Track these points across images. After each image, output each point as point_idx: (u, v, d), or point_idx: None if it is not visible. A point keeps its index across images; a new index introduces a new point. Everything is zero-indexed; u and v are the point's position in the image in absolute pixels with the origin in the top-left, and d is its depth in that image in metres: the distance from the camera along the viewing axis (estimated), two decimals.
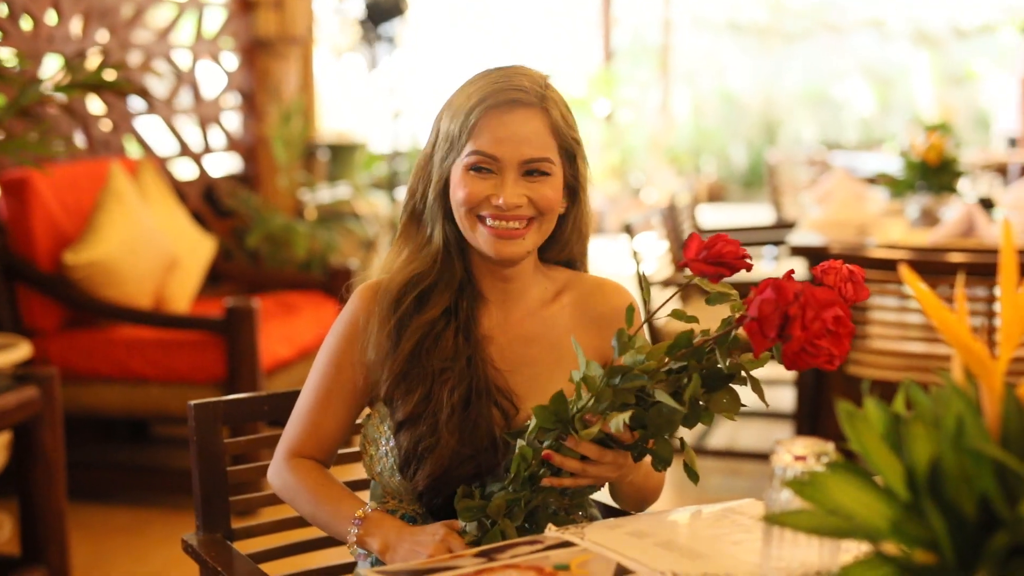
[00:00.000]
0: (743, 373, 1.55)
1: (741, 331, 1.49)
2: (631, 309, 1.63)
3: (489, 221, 1.81)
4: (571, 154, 1.86)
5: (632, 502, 1.89)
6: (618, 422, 1.52)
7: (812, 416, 4.33)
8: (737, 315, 1.51)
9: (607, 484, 1.78)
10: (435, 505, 1.81)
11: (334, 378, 1.90)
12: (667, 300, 1.64)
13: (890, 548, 0.97)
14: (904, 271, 1.04)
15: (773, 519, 1.01)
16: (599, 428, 1.56)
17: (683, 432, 1.63)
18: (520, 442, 1.65)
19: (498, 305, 1.91)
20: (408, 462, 1.81)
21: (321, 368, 1.91)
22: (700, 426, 5.10)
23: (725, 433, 5.22)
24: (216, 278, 5.37)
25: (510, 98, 1.81)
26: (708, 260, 1.55)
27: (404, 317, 1.85)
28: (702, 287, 1.58)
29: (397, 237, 1.94)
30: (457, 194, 1.82)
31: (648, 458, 1.65)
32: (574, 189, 1.89)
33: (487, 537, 1.66)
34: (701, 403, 1.55)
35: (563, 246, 1.95)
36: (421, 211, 1.90)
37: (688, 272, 1.58)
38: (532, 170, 1.81)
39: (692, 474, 1.62)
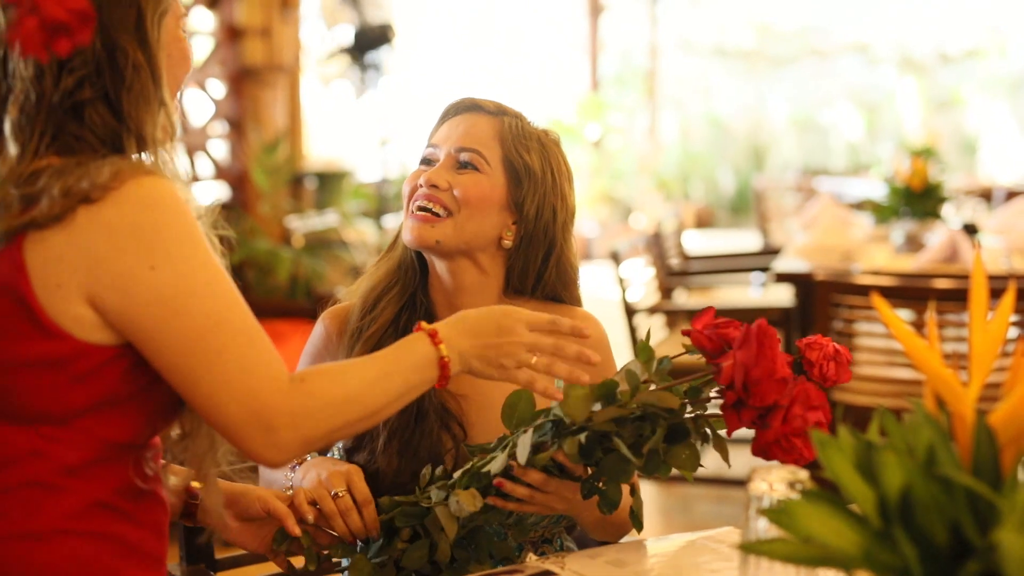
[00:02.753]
0: (708, 431, 1.54)
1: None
2: (645, 346, 1.57)
3: (413, 208, 1.84)
4: (515, 172, 1.85)
5: (600, 533, 1.85)
6: (573, 443, 1.50)
7: None
8: (710, 392, 1.50)
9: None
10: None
11: None
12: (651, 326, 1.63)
13: None
14: (875, 299, 1.05)
15: (749, 547, 1.02)
16: (550, 454, 1.54)
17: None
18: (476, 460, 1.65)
19: None
20: None
21: None
22: None
23: (714, 460, 5.21)
24: None
25: (467, 105, 1.90)
26: (711, 336, 1.50)
27: (361, 327, 1.88)
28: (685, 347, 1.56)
29: (379, 258, 1.98)
30: (403, 191, 1.88)
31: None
32: (534, 227, 1.85)
33: (414, 547, 1.65)
34: (659, 455, 1.52)
35: (540, 286, 1.91)
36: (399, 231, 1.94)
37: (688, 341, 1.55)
38: (464, 162, 1.84)
39: (637, 522, 1.62)
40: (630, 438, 1.51)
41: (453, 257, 1.85)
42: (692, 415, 1.52)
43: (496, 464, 1.58)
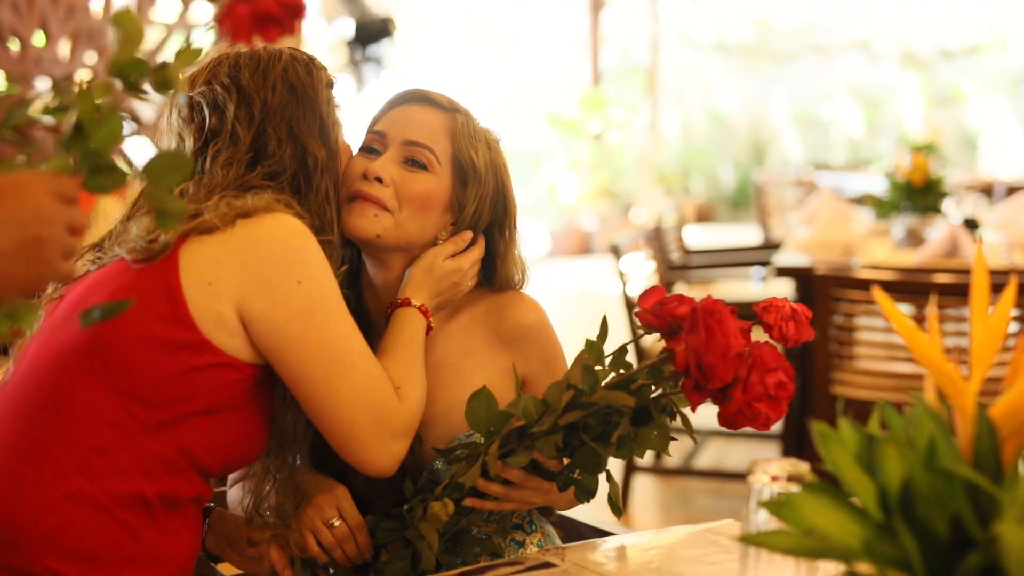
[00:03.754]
0: (673, 409, 1.53)
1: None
2: (594, 344, 1.54)
3: (351, 195, 1.74)
4: (463, 172, 1.78)
5: (567, 508, 1.85)
6: (549, 445, 1.50)
7: (798, 437, 4.34)
8: (668, 371, 1.49)
9: None
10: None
11: None
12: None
13: (864, 568, 0.98)
14: (876, 293, 1.05)
15: (750, 540, 1.02)
16: (528, 457, 1.53)
17: (612, 463, 1.60)
18: (439, 464, 1.66)
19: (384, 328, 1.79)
20: None
21: None
22: (688, 445, 5.11)
23: (712, 454, 5.22)
24: None
25: (421, 94, 1.81)
26: (658, 315, 1.48)
27: None
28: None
29: None
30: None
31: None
32: (468, 228, 1.81)
33: (394, 558, 1.64)
34: (630, 439, 1.51)
35: (488, 277, 1.86)
36: None
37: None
38: (412, 158, 1.75)
39: (615, 508, 1.58)
40: (599, 427, 1.51)
41: (388, 252, 1.78)
42: (656, 394, 1.50)
43: (469, 477, 1.58)
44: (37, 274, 1.19)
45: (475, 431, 1.60)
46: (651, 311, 1.48)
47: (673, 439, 1.55)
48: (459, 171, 1.78)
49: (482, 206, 1.80)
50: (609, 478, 1.60)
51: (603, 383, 1.51)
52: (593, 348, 1.52)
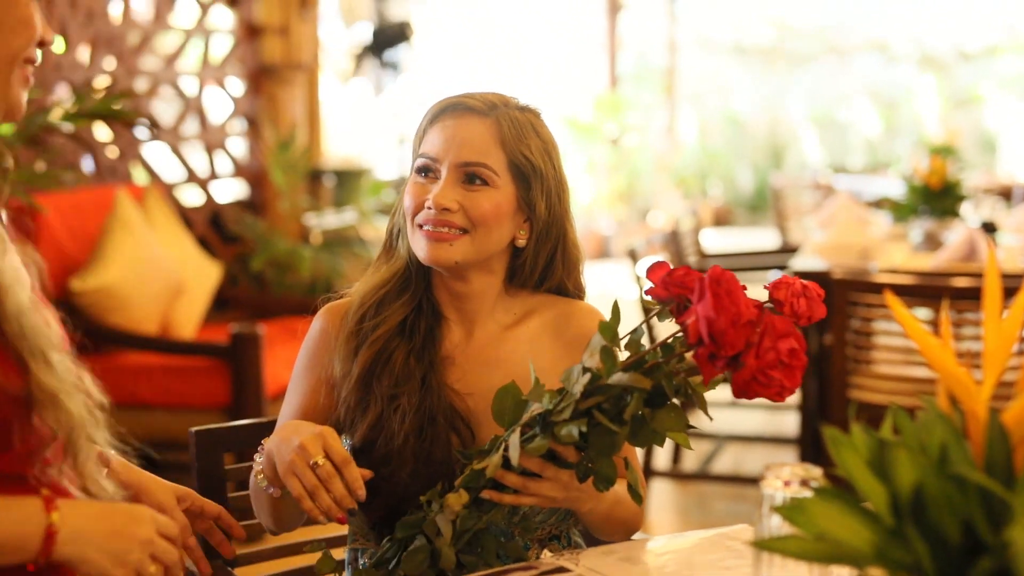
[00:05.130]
0: (688, 391, 1.51)
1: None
2: (607, 325, 1.54)
3: (424, 226, 1.77)
4: (523, 174, 1.80)
5: (606, 533, 1.79)
6: (571, 430, 1.49)
7: (815, 441, 4.33)
8: (681, 348, 1.47)
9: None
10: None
11: (301, 396, 1.86)
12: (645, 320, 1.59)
13: (876, 573, 0.98)
14: (889, 297, 1.05)
15: (762, 545, 1.02)
16: (547, 445, 1.52)
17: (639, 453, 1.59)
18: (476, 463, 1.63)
19: (459, 325, 1.86)
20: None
21: (292, 387, 1.88)
22: (706, 449, 5.10)
23: (730, 458, 5.22)
24: (222, 304, 5.38)
25: (459, 103, 1.80)
26: (667, 285, 1.48)
27: (363, 330, 1.82)
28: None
29: (376, 258, 1.92)
30: (404, 203, 1.82)
31: (617, 489, 1.63)
32: (546, 223, 1.83)
33: (412, 551, 1.61)
34: (645, 422, 1.50)
35: (547, 277, 1.89)
36: (398, 231, 1.88)
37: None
38: (471, 175, 1.77)
39: (635, 495, 1.58)
40: (613, 410, 1.50)
41: (467, 268, 1.81)
42: (669, 371, 1.49)
43: (491, 466, 1.57)
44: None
45: (499, 423, 1.59)
46: (660, 283, 1.48)
47: (692, 427, 1.53)
48: (518, 174, 1.80)
49: (552, 199, 1.83)
50: (628, 466, 1.60)
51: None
52: (607, 329, 1.52)
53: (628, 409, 1.47)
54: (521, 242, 1.84)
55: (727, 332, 1.37)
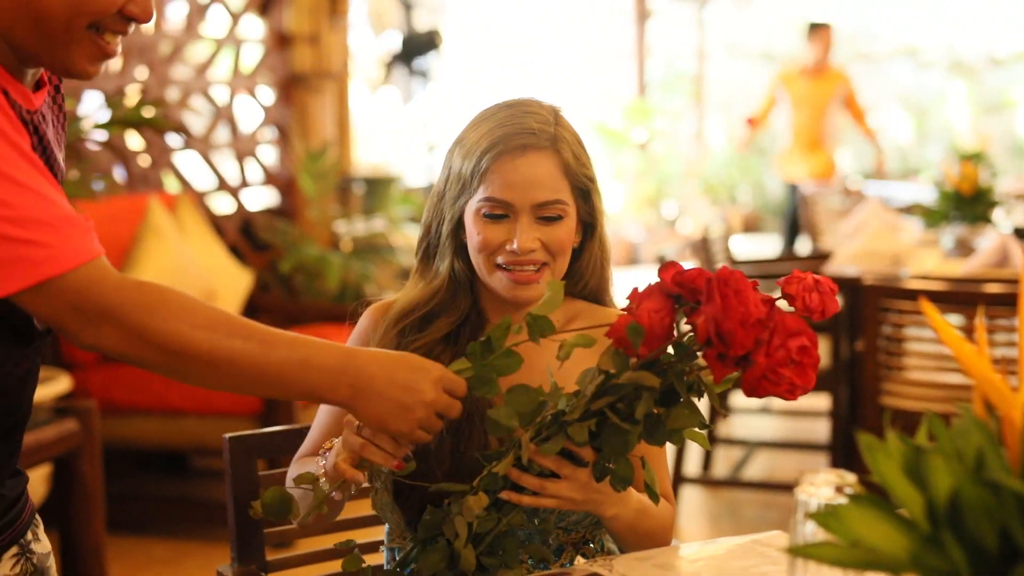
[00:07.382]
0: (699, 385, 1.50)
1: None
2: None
3: (506, 266, 1.80)
4: (585, 192, 1.85)
5: (633, 545, 1.76)
6: (581, 430, 1.49)
7: (847, 448, 4.31)
8: (694, 347, 1.47)
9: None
10: None
11: None
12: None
13: None
14: (923, 304, 1.05)
15: (797, 551, 1.02)
16: (560, 445, 1.52)
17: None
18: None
19: None
20: (400, 495, 1.77)
21: None
22: (736, 456, 5.09)
23: (761, 465, 5.20)
24: (253, 311, 5.41)
25: (521, 143, 1.79)
26: (678, 284, 1.47)
27: (405, 337, 1.85)
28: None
29: (413, 271, 1.94)
30: (473, 239, 1.82)
31: (642, 498, 1.63)
32: (589, 224, 1.89)
33: (428, 550, 1.62)
34: (659, 420, 1.50)
35: (579, 279, 1.92)
36: (435, 246, 1.89)
37: None
38: (546, 215, 1.80)
39: (652, 494, 1.57)
40: (626, 410, 1.50)
41: None
42: (679, 371, 1.48)
43: (503, 465, 1.57)
44: (398, 429, 1.51)
45: (501, 423, 1.57)
46: (671, 282, 1.47)
47: (707, 426, 1.52)
48: (581, 194, 1.85)
49: (599, 199, 1.89)
50: (644, 465, 1.59)
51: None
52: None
53: (639, 407, 1.47)
54: (575, 247, 1.88)
55: (735, 332, 1.37)
